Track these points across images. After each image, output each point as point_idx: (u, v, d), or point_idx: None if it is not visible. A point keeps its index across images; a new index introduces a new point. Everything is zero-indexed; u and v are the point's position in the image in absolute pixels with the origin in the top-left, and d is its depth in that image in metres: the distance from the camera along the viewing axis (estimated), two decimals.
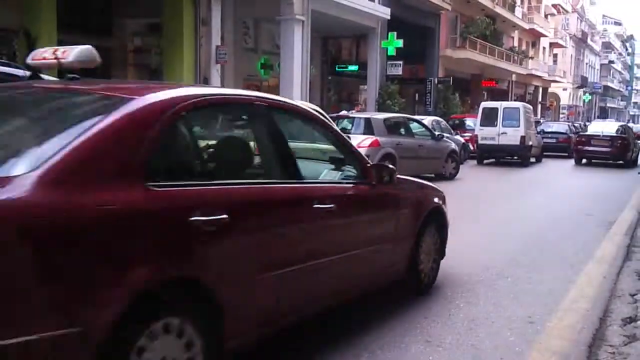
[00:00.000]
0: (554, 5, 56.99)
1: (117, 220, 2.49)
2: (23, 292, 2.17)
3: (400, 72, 26.17)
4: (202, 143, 3.44)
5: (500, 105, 20.71)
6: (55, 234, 2.28)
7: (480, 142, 19.72)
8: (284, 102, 4.14)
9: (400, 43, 24.55)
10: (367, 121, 13.49)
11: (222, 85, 16.28)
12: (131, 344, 2.49)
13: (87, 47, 3.85)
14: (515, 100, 36.66)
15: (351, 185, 4.28)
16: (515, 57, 41.89)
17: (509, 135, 19.28)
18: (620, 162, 20.90)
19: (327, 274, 3.79)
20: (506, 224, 8.49)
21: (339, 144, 4.33)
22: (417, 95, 30.77)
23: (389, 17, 23.57)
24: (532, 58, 48.30)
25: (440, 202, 5.34)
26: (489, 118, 19.82)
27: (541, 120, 32.82)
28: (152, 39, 19.25)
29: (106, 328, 2.37)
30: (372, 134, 13.03)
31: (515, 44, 45.18)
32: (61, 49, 3.88)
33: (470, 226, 8.28)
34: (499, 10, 37.13)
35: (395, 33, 24.55)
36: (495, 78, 38.92)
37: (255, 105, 3.65)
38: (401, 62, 25.89)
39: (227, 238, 2.97)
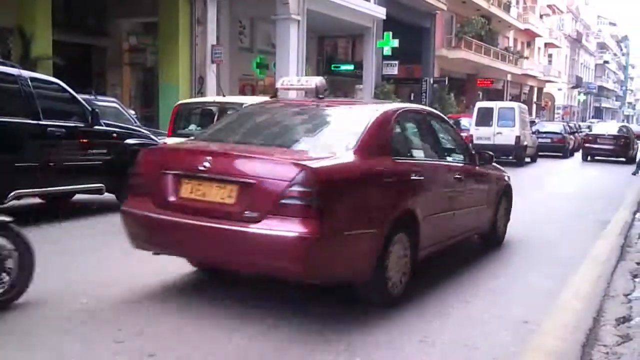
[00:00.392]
0: (549, 6, 57.12)
1: (386, 175, 4.63)
2: (357, 210, 4.28)
3: (396, 72, 26.21)
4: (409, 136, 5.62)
5: (495, 105, 20.75)
6: (366, 180, 4.46)
7: (475, 142, 19.73)
8: (432, 111, 6.57)
9: (395, 43, 24.57)
10: None
11: (218, 84, 16.26)
12: (390, 244, 4.53)
13: (320, 78, 5.73)
14: (510, 100, 36.73)
15: (466, 165, 6.21)
16: (511, 57, 41.97)
17: (504, 135, 19.31)
18: (622, 159, 22.21)
19: (458, 220, 5.91)
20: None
21: (455, 137, 6.46)
22: (412, 95, 30.79)
23: (384, 17, 23.59)
24: (527, 58, 48.40)
25: (509, 181, 7.43)
26: (484, 118, 19.85)
27: (536, 120, 32.86)
28: (148, 39, 19.24)
29: (384, 233, 4.43)
30: None
31: (511, 44, 45.28)
32: (304, 78, 6.21)
33: None
34: (494, 10, 37.19)
35: (390, 33, 24.57)
36: (490, 78, 38.98)
37: (424, 113, 6.16)
38: (397, 62, 25.93)
39: (424, 190, 5.13)
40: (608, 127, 25.19)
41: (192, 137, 6.04)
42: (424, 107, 6.44)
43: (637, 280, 5.80)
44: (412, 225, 4.82)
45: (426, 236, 4.99)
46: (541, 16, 54.55)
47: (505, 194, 7.22)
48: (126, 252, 6.23)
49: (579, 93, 70.72)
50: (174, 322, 4.18)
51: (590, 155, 23.14)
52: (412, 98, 30.46)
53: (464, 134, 21.08)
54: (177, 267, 5.79)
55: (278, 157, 4.24)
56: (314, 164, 4.09)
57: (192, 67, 16.32)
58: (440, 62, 31.87)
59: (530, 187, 13.40)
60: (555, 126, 27.41)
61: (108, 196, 8.49)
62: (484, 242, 6.98)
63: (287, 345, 3.85)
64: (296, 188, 3.91)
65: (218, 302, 4.66)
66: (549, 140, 24.23)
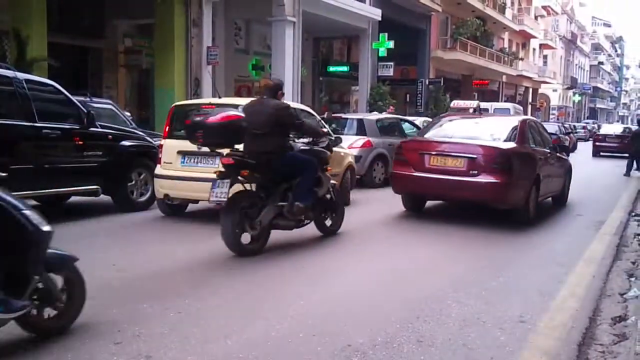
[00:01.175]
0: (544, 7, 57.30)
1: (530, 155, 8.78)
2: (521, 171, 8.38)
3: (391, 73, 26.24)
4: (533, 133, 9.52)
5: (490, 106, 20.82)
6: (523, 156, 8.58)
7: None
8: (538, 120, 11.83)
9: (391, 44, 24.60)
10: (360, 122, 13.51)
11: (214, 86, 16.25)
12: (531, 190, 8.62)
13: (477, 101, 11.20)
14: (505, 101, 36.83)
15: (553, 152, 9.96)
16: (506, 58, 42.07)
17: None
18: (626, 154, 22.92)
19: (552, 183, 9.75)
20: (498, 224, 8.51)
21: (548, 136, 10.50)
22: (408, 96, 30.83)
23: (380, 19, 23.61)
24: (522, 59, 48.51)
25: (570, 164, 11.38)
26: None
27: None
28: (143, 40, 19.21)
29: (530, 184, 8.54)
30: (365, 134, 13.04)
31: (506, 45, 45.38)
32: (468, 102, 15.39)
33: (463, 226, 8.31)
34: (489, 11, 37.27)
35: (386, 34, 24.60)
36: (485, 79, 39.05)
37: (536, 121, 10.53)
38: (392, 63, 25.96)
39: (542, 164, 9.04)
40: (614, 129, 29.80)
41: (414, 136, 11.97)
42: (535, 118, 12.13)
43: (632, 279, 5.82)
44: (538, 182, 8.72)
45: (542, 189, 9.01)
46: (536, 17, 54.70)
47: (569, 171, 11.14)
48: (122, 254, 6.24)
49: (574, 94, 70.92)
50: (171, 323, 4.18)
51: (601, 151, 27.09)
52: (407, 99, 30.52)
53: None
54: (173, 268, 5.79)
55: (485, 144, 8.43)
56: (503, 147, 8.36)
57: (187, 69, 16.30)
58: (435, 64, 31.92)
59: None
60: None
61: (104, 198, 8.50)
62: (557, 202, 10.76)
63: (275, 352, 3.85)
64: (497, 159, 8.08)
65: (215, 305, 4.67)
66: None
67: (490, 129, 9.13)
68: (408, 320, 4.39)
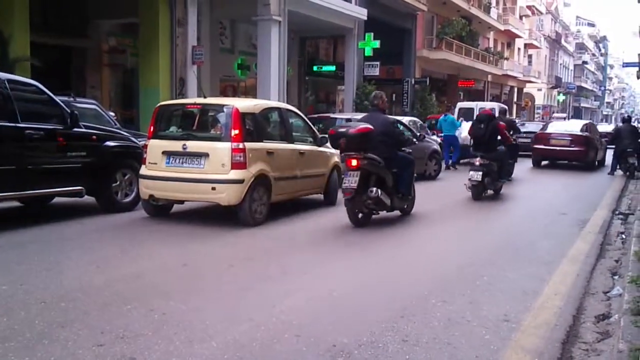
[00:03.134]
0: (529, 7, 57.64)
1: (592, 139, 20.27)
2: (595, 145, 20.15)
3: (377, 73, 26.26)
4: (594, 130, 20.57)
5: (476, 105, 20.91)
6: (591, 139, 19.82)
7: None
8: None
9: (377, 44, 24.63)
10: (348, 122, 13.48)
11: (199, 86, 16.19)
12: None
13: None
14: (491, 101, 37.02)
15: (600, 137, 21.15)
16: (491, 58, 42.27)
17: None
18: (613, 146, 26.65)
19: (600, 152, 20.82)
20: (484, 223, 8.58)
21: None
22: (394, 95, 30.89)
23: (365, 18, 23.63)
24: (507, 59, 48.77)
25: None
26: (466, 118, 19.99)
27: (516, 120, 33.11)
28: (128, 40, 19.08)
29: (601, 153, 20.56)
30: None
31: (491, 44, 45.61)
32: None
33: (448, 226, 8.35)
34: (474, 11, 37.43)
35: (372, 34, 24.62)
36: (471, 78, 39.23)
37: (592, 122, 25.01)
38: (378, 63, 25.99)
39: (599, 143, 21.02)
40: (606, 127, 33.49)
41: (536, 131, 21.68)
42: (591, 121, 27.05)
43: (616, 277, 5.87)
44: (597, 150, 19.62)
45: (599, 155, 19.88)
46: (521, 17, 55.01)
47: (604, 146, 21.02)
48: (105, 255, 6.19)
49: (559, 93, 71.40)
50: (155, 324, 4.15)
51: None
52: (393, 99, 30.57)
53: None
54: (158, 269, 5.76)
55: (575, 133, 19.27)
56: (583, 134, 19.31)
57: (172, 69, 16.22)
58: (421, 63, 32.00)
59: (511, 186, 13.48)
60: (535, 126, 27.64)
61: (88, 199, 8.43)
62: (600, 162, 20.33)
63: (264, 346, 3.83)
64: (582, 140, 18.96)
65: (200, 306, 4.65)
66: (529, 140, 24.45)
67: (573, 125, 21.35)
68: (393, 319, 4.40)
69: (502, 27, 46.13)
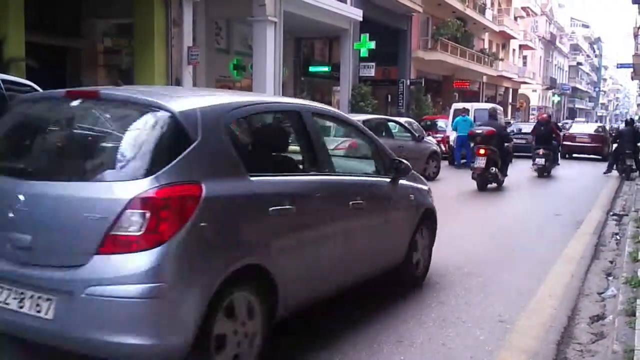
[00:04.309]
0: (524, 8, 57.76)
1: (605, 137, 24.79)
2: None
3: (373, 74, 26.25)
4: None
5: (471, 106, 20.91)
6: (605, 137, 24.98)
7: (452, 143, 19.87)
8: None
9: (372, 45, 24.63)
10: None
11: (194, 86, 16.17)
12: None
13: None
14: (486, 102, 37.05)
15: (609, 135, 23.35)
16: (486, 59, 42.34)
17: None
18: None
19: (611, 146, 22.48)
20: (479, 224, 8.59)
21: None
22: (389, 96, 30.89)
23: (361, 19, 23.64)
24: (502, 60, 48.86)
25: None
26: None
27: (511, 121, 33.19)
28: (123, 40, 19.03)
29: None
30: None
31: (486, 46, 45.69)
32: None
33: (443, 227, 8.34)
34: (469, 12, 37.49)
35: (367, 35, 24.62)
36: (466, 79, 39.29)
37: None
38: (373, 64, 25.98)
39: (610, 139, 22.07)
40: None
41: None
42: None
43: (610, 278, 5.89)
44: (610, 144, 21.57)
45: (610, 147, 21.05)
46: (516, 18, 55.13)
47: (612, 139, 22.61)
48: None
49: (553, 94, 71.58)
50: None
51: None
52: (389, 100, 30.61)
53: (440, 136, 21.33)
54: None
55: (593, 133, 24.88)
56: (600, 133, 25.03)
57: (168, 69, 16.17)
58: (416, 64, 32.03)
59: (507, 187, 13.51)
60: (531, 127, 27.69)
61: None
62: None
63: None
64: (598, 138, 24.41)
65: None
66: (524, 141, 24.52)
67: (590, 127, 26.92)
68: (388, 320, 4.40)
69: (497, 28, 46.22)
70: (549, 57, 71.13)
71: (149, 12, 15.65)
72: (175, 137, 3.19)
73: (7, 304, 3.10)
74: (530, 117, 58.24)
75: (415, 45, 31.98)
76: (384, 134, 14.04)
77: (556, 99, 72.77)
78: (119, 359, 3.04)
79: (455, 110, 20.69)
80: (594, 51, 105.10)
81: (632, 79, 42.31)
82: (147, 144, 3.15)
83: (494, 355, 3.88)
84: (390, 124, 14.99)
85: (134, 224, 2.94)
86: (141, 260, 2.91)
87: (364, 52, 24.92)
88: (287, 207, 3.64)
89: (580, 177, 17.53)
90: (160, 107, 3.24)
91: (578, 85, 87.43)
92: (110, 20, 18.89)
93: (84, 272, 2.95)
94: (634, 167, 16.98)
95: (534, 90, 63.22)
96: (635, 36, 30.80)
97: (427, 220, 5.62)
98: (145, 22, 15.80)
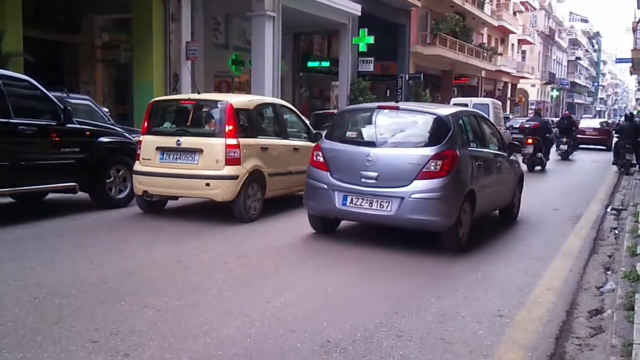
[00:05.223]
0: (522, 3, 57.72)
1: (607, 131, 29.08)
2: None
3: (372, 69, 26.23)
4: None
5: (470, 101, 20.88)
6: (605, 131, 28.79)
7: None
8: None
9: (371, 39, 24.60)
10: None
11: (193, 82, 16.15)
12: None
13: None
14: (484, 96, 37.07)
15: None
16: (485, 54, 42.31)
17: None
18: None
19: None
20: (480, 220, 8.56)
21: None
22: (388, 91, 30.85)
23: (359, 14, 23.59)
24: (501, 54, 48.83)
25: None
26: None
27: (510, 116, 33.20)
28: (121, 35, 19.00)
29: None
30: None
31: (485, 40, 45.63)
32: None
33: None
34: (468, 7, 37.45)
35: (366, 29, 24.59)
36: (465, 74, 39.26)
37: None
38: (372, 59, 25.96)
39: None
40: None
41: None
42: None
43: (609, 273, 5.90)
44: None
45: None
46: (514, 13, 55.07)
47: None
48: (99, 251, 6.18)
49: (552, 89, 71.57)
50: (150, 321, 4.15)
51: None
52: (387, 95, 30.58)
53: None
54: (152, 266, 5.75)
55: (598, 127, 29.62)
56: (604, 128, 29.52)
57: (166, 64, 16.16)
58: (415, 59, 32.00)
59: None
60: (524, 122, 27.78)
61: (82, 195, 8.41)
62: None
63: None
64: (605, 132, 28.42)
65: (194, 302, 4.64)
66: (522, 136, 24.53)
67: (596, 122, 31.34)
68: (387, 315, 4.41)
69: (495, 23, 46.17)
70: (548, 51, 71.07)
71: (147, 7, 15.63)
72: (444, 128, 6.57)
73: (362, 206, 6.44)
74: (529, 111, 58.25)
75: (414, 40, 31.95)
76: None
77: (555, 93, 72.75)
78: (426, 228, 6.43)
79: (454, 105, 20.66)
80: (593, 46, 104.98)
81: (631, 73, 42.22)
82: (432, 131, 6.64)
83: (493, 350, 3.88)
84: None
85: (433, 165, 6.26)
86: (436, 183, 6.22)
87: (362, 47, 24.89)
88: (481, 163, 7.11)
89: (582, 169, 17.55)
90: (433, 114, 6.84)
91: (577, 80, 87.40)
92: (109, 16, 18.86)
93: (409, 188, 6.26)
94: (634, 161, 17.00)
95: (533, 85, 63.23)
96: (634, 31, 30.74)
97: (521, 180, 9.09)
98: (143, 17, 15.78)
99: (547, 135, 17.50)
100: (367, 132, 7.11)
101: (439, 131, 6.51)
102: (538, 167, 16.59)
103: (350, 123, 7.47)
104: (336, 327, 4.13)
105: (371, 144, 6.70)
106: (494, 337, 4.08)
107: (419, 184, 6.20)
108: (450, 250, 6.47)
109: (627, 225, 7.80)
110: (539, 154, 16.42)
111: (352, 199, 6.49)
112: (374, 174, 6.38)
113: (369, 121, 7.20)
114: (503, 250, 6.97)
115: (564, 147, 20.46)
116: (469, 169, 6.63)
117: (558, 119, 25.76)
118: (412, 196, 6.17)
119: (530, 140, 16.18)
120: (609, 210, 9.99)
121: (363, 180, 6.42)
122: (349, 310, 4.53)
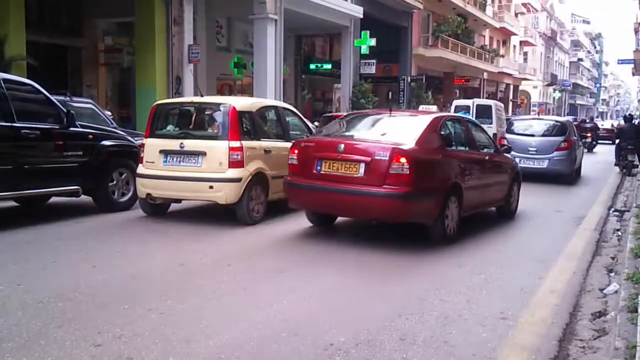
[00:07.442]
0: (524, 4, 57.65)
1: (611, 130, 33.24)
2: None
3: (374, 71, 26.24)
4: None
5: (472, 102, 20.89)
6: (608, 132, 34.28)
7: None
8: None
9: (373, 42, 24.62)
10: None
11: (195, 85, 16.17)
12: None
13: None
14: (487, 98, 37.04)
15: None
16: (487, 56, 42.30)
17: None
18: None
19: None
20: (480, 221, 8.56)
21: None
22: (390, 93, 30.87)
23: (361, 16, 23.62)
24: (503, 56, 48.82)
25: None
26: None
27: (511, 118, 33.12)
28: (124, 39, 19.04)
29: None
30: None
31: (487, 42, 45.63)
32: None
33: None
34: (470, 9, 37.45)
35: (368, 32, 24.61)
36: (467, 76, 39.25)
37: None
38: (374, 61, 25.97)
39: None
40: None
41: None
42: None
43: (612, 275, 5.89)
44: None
45: None
46: (516, 15, 55.04)
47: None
48: (102, 255, 6.19)
49: (554, 90, 71.49)
50: (153, 324, 4.16)
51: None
52: (390, 97, 30.58)
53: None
54: (155, 269, 5.76)
55: (608, 127, 37.11)
56: (610, 127, 36.53)
57: (169, 67, 16.19)
58: (417, 61, 32.01)
59: None
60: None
61: (85, 198, 8.42)
62: None
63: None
64: (611, 131, 32.52)
65: (197, 306, 4.65)
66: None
67: (608, 122, 44.94)
68: (390, 318, 4.41)
69: (497, 25, 46.17)
70: (550, 53, 71.02)
71: (149, 11, 15.67)
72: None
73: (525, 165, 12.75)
74: (531, 113, 58.15)
75: (416, 42, 31.96)
76: None
77: (557, 95, 72.67)
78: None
79: (456, 106, 20.67)
80: (595, 47, 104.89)
81: (633, 74, 42.23)
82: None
83: (497, 352, 3.88)
84: None
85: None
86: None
87: (364, 50, 24.91)
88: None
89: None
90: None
91: (579, 82, 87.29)
92: (111, 19, 18.91)
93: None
94: (636, 162, 16.98)
95: (535, 87, 63.14)
96: (636, 32, 30.73)
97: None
98: (146, 20, 15.82)
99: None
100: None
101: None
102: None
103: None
104: (339, 330, 4.13)
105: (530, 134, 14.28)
106: (497, 340, 4.08)
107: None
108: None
109: (630, 227, 7.78)
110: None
111: None
112: (535, 149, 14.08)
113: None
114: (506, 252, 6.96)
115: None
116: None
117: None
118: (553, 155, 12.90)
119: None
120: (611, 211, 9.97)
121: (527, 154, 13.58)
122: (352, 313, 4.53)
